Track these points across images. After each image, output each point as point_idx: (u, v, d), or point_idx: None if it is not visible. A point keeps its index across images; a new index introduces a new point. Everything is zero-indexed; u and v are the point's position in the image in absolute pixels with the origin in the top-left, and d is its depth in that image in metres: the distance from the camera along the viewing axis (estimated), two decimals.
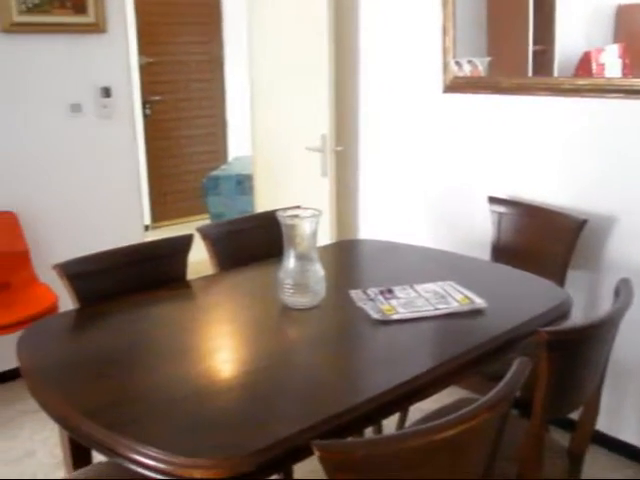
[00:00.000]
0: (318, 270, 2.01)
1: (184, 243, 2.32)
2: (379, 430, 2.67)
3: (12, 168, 3.30)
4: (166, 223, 6.40)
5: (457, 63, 3.11)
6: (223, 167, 6.08)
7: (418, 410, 2.15)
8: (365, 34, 3.51)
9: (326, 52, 3.32)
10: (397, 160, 3.48)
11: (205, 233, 2.43)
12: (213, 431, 1.40)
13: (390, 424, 2.64)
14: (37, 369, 1.71)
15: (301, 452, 1.37)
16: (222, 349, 1.79)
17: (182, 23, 6.26)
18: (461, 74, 3.11)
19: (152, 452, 1.32)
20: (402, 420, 2.66)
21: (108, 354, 1.77)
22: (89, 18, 3.45)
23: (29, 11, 3.26)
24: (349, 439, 1.30)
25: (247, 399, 1.53)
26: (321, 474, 1.14)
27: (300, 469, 2.34)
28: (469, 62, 3.10)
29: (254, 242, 2.53)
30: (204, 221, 5.93)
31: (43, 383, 1.64)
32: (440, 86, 3.18)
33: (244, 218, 2.88)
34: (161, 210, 6.40)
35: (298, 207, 2.18)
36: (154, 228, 6.26)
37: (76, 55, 3.41)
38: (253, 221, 2.69)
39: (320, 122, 3.46)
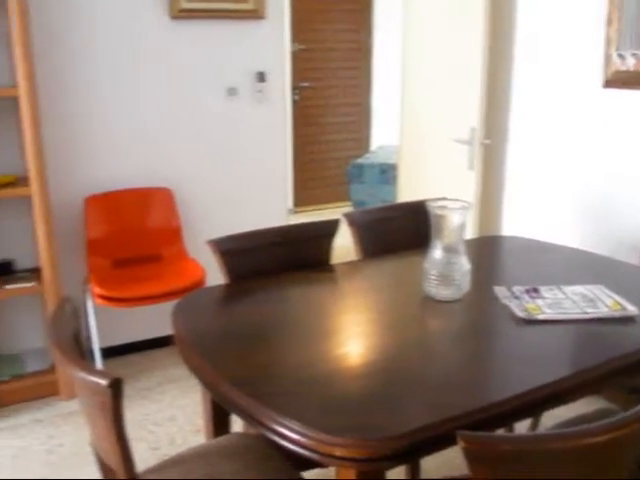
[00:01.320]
0: (464, 263, 2.01)
1: (331, 228, 2.39)
2: (510, 432, 2.62)
3: (171, 147, 3.51)
4: (307, 208, 6.56)
5: (620, 56, 2.97)
6: (367, 155, 6.14)
7: (551, 416, 2.10)
8: (522, 24, 3.42)
9: (481, 43, 3.28)
10: (547, 156, 3.38)
11: (352, 219, 2.48)
12: (353, 412, 1.44)
13: (520, 428, 2.59)
14: (190, 337, 1.82)
15: (439, 442, 1.38)
16: (362, 334, 1.83)
17: (333, 10, 6.36)
18: (624, 68, 2.97)
19: (295, 426, 1.38)
20: (534, 425, 2.60)
21: (254, 329, 1.86)
22: (249, 5, 3.59)
23: None
24: (495, 433, 1.29)
25: (386, 385, 1.56)
26: (443, 472, 1.15)
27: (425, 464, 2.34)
28: (633, 55, 2.95)
29: (399, 231, 2.56)
30: (343, 208, 6.03)
31: (195, 350, 1.75)
32: (600, 80, 3.05)
33: (390, 206, 2.91)
34: (303, 195, 6.56)
35: (445, 199, 2.17)
36: (295, 212, 6.43)
37: (235, 40, 3.57)
38: (399, 210, 2.71)
39: (469, 114, 3.43)
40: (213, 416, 2.11)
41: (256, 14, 3.60)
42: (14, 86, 2.92)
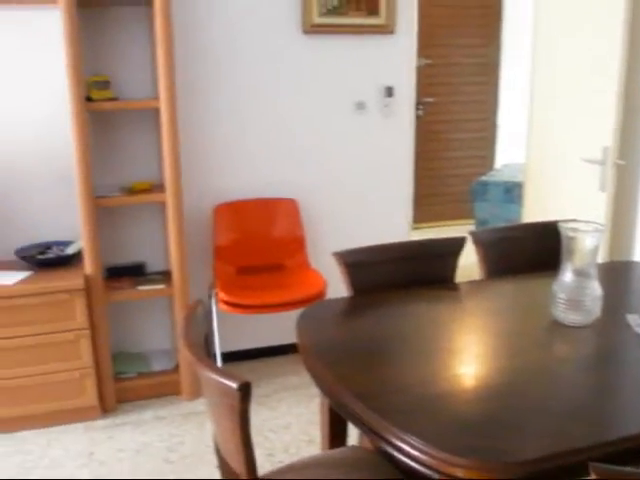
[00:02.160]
0: (595, 288, 1.94)
1: (457, 245, 2.37)
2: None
3: (298, 159, 3.60)
4: (426, 224, 6.51)
5: None
6: (492, 173, 6.03)
7: None
8: None
9: (618, 59, 3.16)
10: None
11: (478, 238, 2.45)
12: (475, 434, 1.43)
13: None
14: (313, 347, 1.86)
15: (564, 472, 1.34)
16: (485, 355, 1.81)
17: (461, 25, 6.30)
18: None
19: (417, 443, 1.38)
20: None
21: (376, 342, 1.87)
22: (380, 19, 3.63)
23: (328, 13, 3.52)
24: (627, 468, 1.25)
25: (508, 409, 1.53)
26: None
27: None
28: None
29: (525, 251, 2.50)
30: (464, 226, 5.94)
31: (318, 360, 1.78)
32: None
33: (517, 226, 2.85)
34: (422, 211, 6.53)
35: (575, 220, 2.11)
36: (414, 228, 6.40)
37: (365, 55, 3.62)
38: (526, 230, 2.65)
39: (602, 132, 3.30)
40: (330, 426, 2.14)
41: (387, 29, 3.64)
42: (155, 98, 3.10)
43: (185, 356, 1.58)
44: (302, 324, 1.99)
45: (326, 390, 1.73)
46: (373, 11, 3.62)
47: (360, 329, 1.99)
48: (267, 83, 3.47)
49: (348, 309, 2.16)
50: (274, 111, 3.51)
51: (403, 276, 2.31)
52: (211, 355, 3.32)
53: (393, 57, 3.68)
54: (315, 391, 3.30)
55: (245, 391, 1.39)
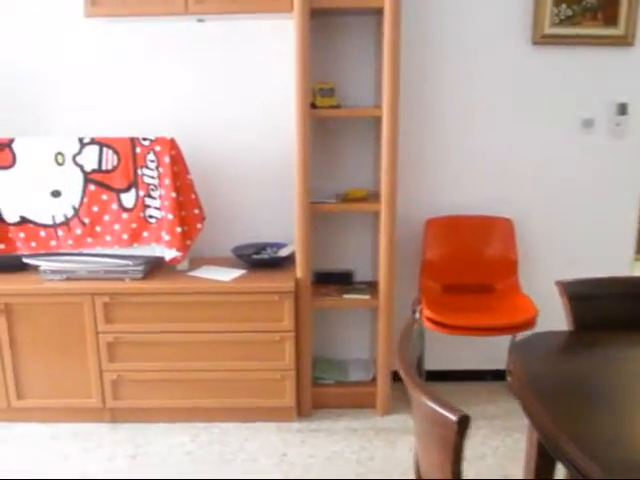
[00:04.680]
0: None
1: None
2: None
3: (516, 177, 3.48)
4: None
5: None
6: None
7: None
8: None
9: None
10: None
11: None
12: None
13: None
14: (527, 379, 1.79)
15: None
16: None
17: None
18: None
19: None
20: None
21: (598, 385, 1.77)
22: (618, 31, 3.42)
23: (560, 23, 3.37)
24: None
25: None
26: None
27: None
28: None
29: None
30: None
31: (532, 393, 1.71)
32: None
33: None
34: None
35: None
36: (636, 259, 5.95)
37: (597, 68, 3.42)
38: None
39: None
40: (537, 461, 2.05)
41: (624, 41, 3.42)
42: (378, 106, 3.15)
43: (403, 378, 1.58)
44: (517, 352, 1.93)
45: (538, 425, 1.66)
46: (611, 21, 3.41)
47: (580, 368, 1.88)
48: (489, 95, 3.40)
49: (569, 344, 2.05)
50: (494, 125, 3.43)
51: (631, 314, 2.15)
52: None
53: (629, 71, 3.45)
54: (513, 424, 3.20)
55: (464, 425, 1.36)
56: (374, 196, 3.30)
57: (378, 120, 3.19)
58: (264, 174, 3.46)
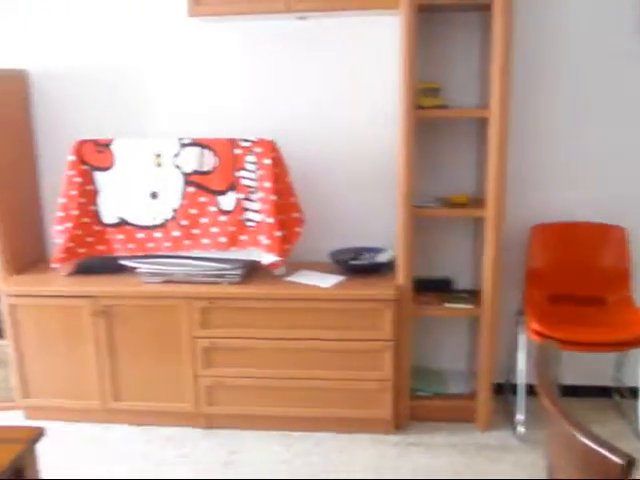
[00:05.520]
0: None
1: None
2: None
3: (627, 181, 3.28)
4: None
5: None
6: None
7: None
8: None
9: None
10: None
11: None
12: None
13: None
14: None
15: None
16: None
17: None
18: None
19: None
20: None
21: None
22: None
23: None
24: None
25: None
26: None
27: None
28: None
29: None
30: None
31: None
32: None
33: None
34: None
35: None
36: None
37: None
38: None
39: None
40: None
41: None
42: (484, 107, 3.01)
43: (545, 405, 1.46)
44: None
45: None
46: None
47: None
48: (601, 99, 3.21)
49: None
50: (608, 128, 3.24)
51: None
52: (508, 385, 3.17)
53: None
54: (627, 447, 3.00)
55: (629, 470, 1.23)
56: (477, 201, 3.16)
57: (482, 121, 3.05)
58: (363, 176, 3.37)
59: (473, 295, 3.25)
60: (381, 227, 3.37)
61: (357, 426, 3.18)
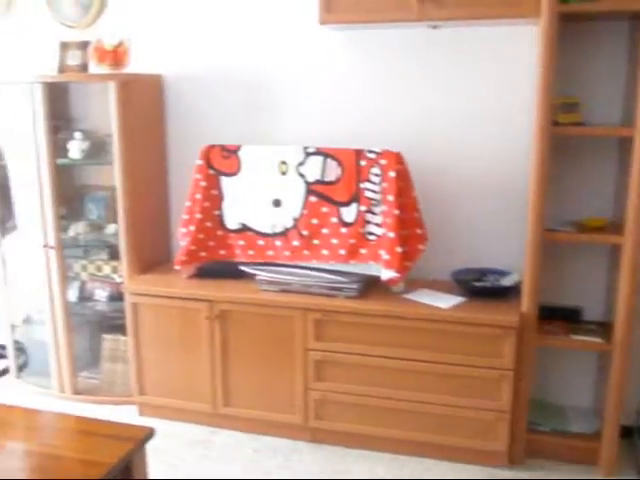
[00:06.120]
0: None
1: None
2: None
3: None
4: None
5: None
6: None
7: None
8: None
9: None
10: None
11: None
12: None
13: None
14: None
15: None
16: None
17: None
18: None
19: None
20: None
21: None
22: None
23: None
24: None
25: None
26: None
27: None
28: None
29: None
30: None
31: None
32: None
33: None
34: None
35: None
36: None
37: None
38: None
39: None
40: None
41: None
42: (628, 124, 2.80)
43: None
44: None
45: None
46: None
47: None
48: None
49: None
50: None
51: None
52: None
53: None
54: None
55: None
56: (612, 226, 2.95)
57: (625, 140, 2.85)
58: (490, 193, 3.23)
59: (604, 328, 3.04)
60: (507, 248, 3.22)
61: (469, 456, 3.04)
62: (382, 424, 3.07)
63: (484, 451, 3.01)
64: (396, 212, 2.91)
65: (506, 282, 3.07)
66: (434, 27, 3.09)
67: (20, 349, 3.94)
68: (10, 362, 3.94)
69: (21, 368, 3.92)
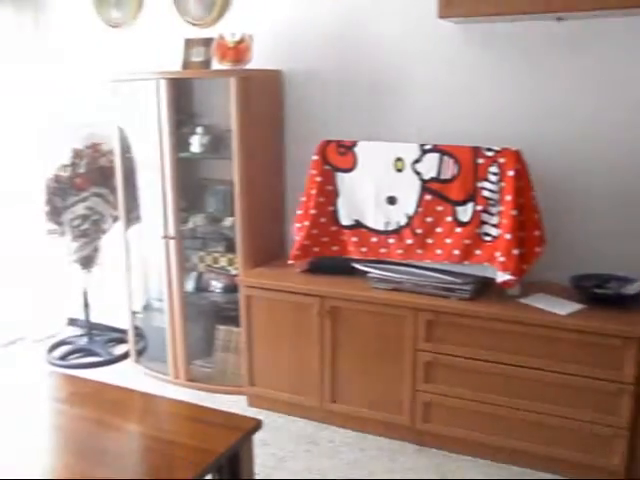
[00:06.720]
0: None
1: None
2: None
3: None
4: None
5: None
6: None
7: None
8: None
9: None
10: None
11: None
12: None
13: None
14: None
15: None
16: None
17: None
18: None
19: None
20: None
21: None
22: None
23: None
24: None
25: None
26: None
27: None
28: None
29: None
30: None
31: None
32: None
33: None
34: None
35: None
36: None
37: None
38: None
39: None
40: None
41: None
42: None
43: None
44: None
45: None
46: None
47: None
48: None
49: None
50: None
51: None
52: None
53: None
54: None
55: None
56: None
57: None
58: (616, 195, 3.06)
59: None
60: (632, 253, 3.05)
61: (579, 471, 2.89)
62: (491, 431, 2.98)
63: (598, 468, 2.85)
64: (513, 213, 2.82)
65: (630, 290, 2.91)
66: (558, 19, 2.97)
67: (140, 335, 4.12)
68: (130, 347, 4.13)
69: (140, 353, 4.10)
